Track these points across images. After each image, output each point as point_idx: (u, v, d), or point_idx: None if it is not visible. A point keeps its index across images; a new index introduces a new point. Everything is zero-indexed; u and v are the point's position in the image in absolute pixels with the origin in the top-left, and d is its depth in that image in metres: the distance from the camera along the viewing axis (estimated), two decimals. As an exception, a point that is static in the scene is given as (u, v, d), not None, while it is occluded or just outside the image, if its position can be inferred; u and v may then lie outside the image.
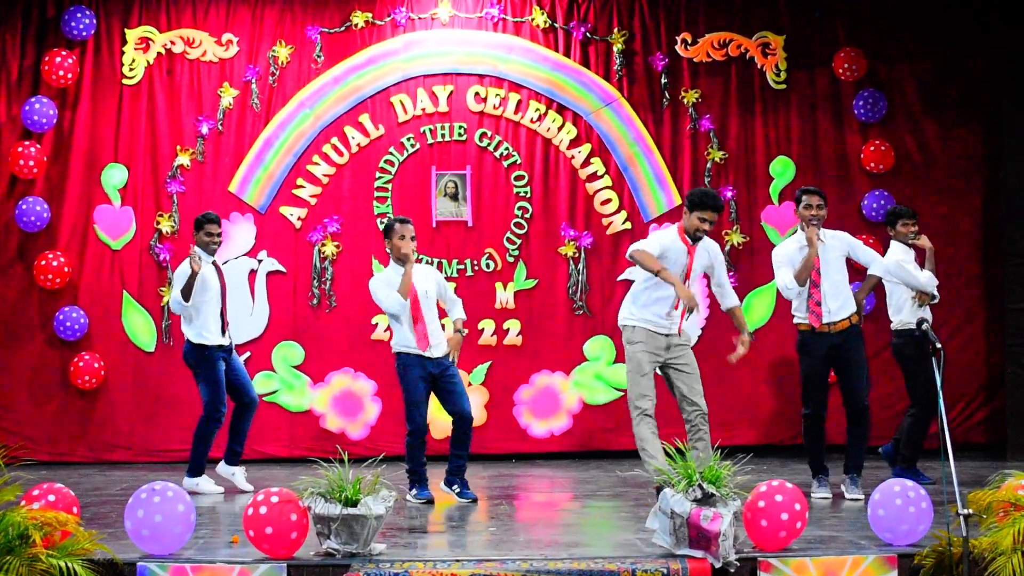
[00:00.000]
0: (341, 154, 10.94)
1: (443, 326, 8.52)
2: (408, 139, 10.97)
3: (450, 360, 8.34)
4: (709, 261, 8.15)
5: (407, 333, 8.23)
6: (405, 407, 8.28)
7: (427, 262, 10.43)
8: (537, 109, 11.05)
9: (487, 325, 10.89)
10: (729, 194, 11.02)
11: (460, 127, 11.01)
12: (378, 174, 10.94)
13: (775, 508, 6.20)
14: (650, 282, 7.95)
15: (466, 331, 8.80)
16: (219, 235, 8.96)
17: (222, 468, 9.00)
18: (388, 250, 8.33)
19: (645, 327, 8.00)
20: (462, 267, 10.90)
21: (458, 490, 8.32)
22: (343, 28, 11.00)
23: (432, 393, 8.35)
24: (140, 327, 10.71)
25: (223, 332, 8.85)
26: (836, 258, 8.27)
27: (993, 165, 11.06)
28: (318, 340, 10.79)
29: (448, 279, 10.79)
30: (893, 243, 9.15)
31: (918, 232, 9.11)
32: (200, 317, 8.76)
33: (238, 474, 8.99)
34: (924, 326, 6.83)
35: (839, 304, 8.21)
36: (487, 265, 10.93)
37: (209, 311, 8.79)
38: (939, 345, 6.49)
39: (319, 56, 10.95)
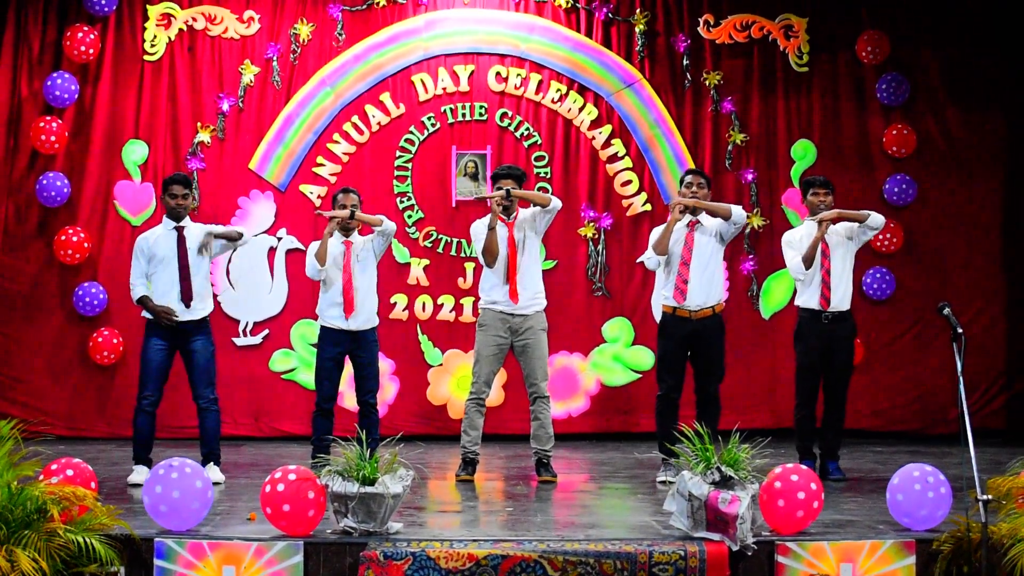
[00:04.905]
0: (361, 133, 10.92)
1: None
2: (429, 118, 10.94)
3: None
4: (532, 218, 8.50)
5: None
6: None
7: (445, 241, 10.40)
8: (558, 89, 11.01)
9: (505, 305, 10.88)
10: (750, 176, 10.98)
11: (481, 107, 10.98)
12: (398, 153, 10.92)
13: (792, 488, 6.20)
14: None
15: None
16: (185, 196, 8.21)
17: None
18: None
19: (491, 309, 8.43)
20: (481, 247, 10.88)
21: None
22: (365, 6, 10.97)
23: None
24: (159, 303, 10.70)
25: (187, 305, 8.17)
26: (707, 242, 8.28)
27: (1016, 149, 10.99)
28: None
29: (468, 259, 10.80)
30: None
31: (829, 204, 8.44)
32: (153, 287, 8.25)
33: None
34: (946, 311, 6.79)
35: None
36: (506, 245, 10.91)
37: (163, 280, 8.21)
38: (960, 330, 6.45)
39: (340, 34, 10.93)
